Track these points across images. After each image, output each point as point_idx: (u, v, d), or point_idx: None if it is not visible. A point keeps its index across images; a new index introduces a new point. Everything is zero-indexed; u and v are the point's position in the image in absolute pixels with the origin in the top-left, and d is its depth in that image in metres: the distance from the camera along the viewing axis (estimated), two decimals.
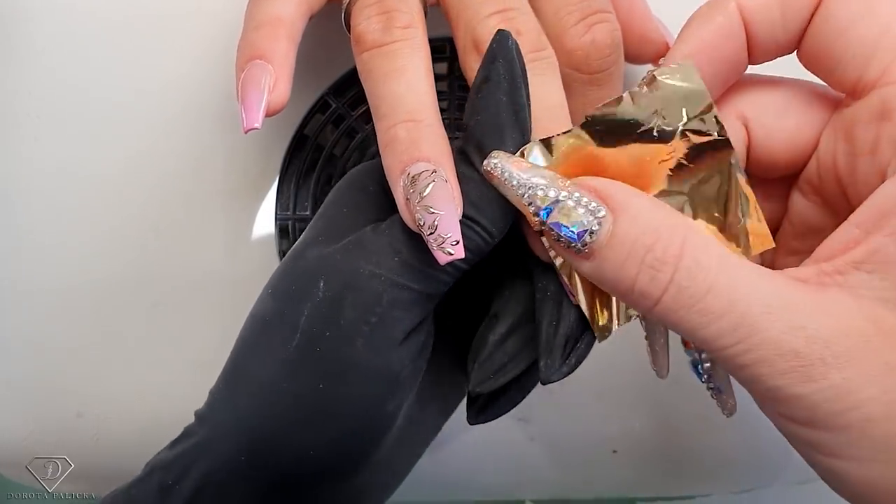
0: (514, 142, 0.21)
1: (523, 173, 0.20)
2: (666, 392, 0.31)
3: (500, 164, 0.20)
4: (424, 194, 0.20)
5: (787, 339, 0.17)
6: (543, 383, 0.22)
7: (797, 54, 0.22)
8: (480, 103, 0.21)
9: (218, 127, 0.29)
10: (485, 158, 0.20)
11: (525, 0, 0.23)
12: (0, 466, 0.32)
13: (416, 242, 0.21)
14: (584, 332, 0.22)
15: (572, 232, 0.19)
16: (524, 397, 0.24)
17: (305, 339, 0.21)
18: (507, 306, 0.23)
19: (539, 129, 0.21)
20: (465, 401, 0.25)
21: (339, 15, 0.25)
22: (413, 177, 0.20)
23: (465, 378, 0.27)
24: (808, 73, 0.22)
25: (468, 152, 0.21)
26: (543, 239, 0.21)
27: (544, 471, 0.32)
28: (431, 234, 0.19)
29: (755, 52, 0.22)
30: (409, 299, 0.21)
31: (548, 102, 0.22)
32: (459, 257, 0.19)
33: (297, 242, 0.23)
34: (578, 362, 0.22)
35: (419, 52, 0.22)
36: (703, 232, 0.19)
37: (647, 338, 0.25)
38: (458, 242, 0.19)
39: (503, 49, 0.21)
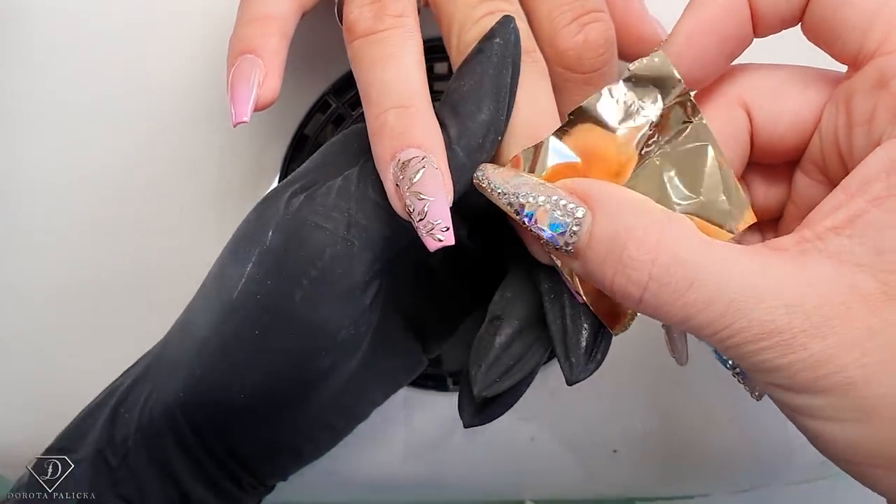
0: (490, 112, 0.21)
1: (507, 182, 0.20)
2: (666, 392, 0.31)
3: (485, 175, 0.21)
4: (414, 180, 0.20)
5: (770, 318, 0.17)
6: (570, 383, 0.21)
7: (801, 27, 0.22)
8: (466, 70, 0.21)
9: (218, 127, 0.29)
10: (457, 121, 0.21)
11: (516, 2, 0.23)
12: (0, 467, 0.32)
13: (366, 201, 0.21)
14: (603, 328, 0.22)
15: (551, 234, 0.19)
16: (517, 400, 0.24)
17: (248, 285, 0.21)
18: (510, 308, 0.23)
19: (529, 130, 0.21)
20: (434, 396, 0.26)
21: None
22: (403, 163, 0.20)
23: (417, 350, 0.27)
24: (807, 57, 0.22)
25: (442, 114, 0.21)
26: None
27: (544, 471, 0.32)
28: (421, 220, 0.19)
29: (760, 25, 0.22)
30: (351, 257, 0.21)
31: (537, 103, 0.22)
32: (450, 243, 0.19)
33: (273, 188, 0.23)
34: (603, 358, 0.22)
35: (411, 39, 0.22)
36: (684, 220, 0.19)
37: (663, 325, 0.25)
38: (448, 229, 0.19)
39: (503, 31, 0.21)
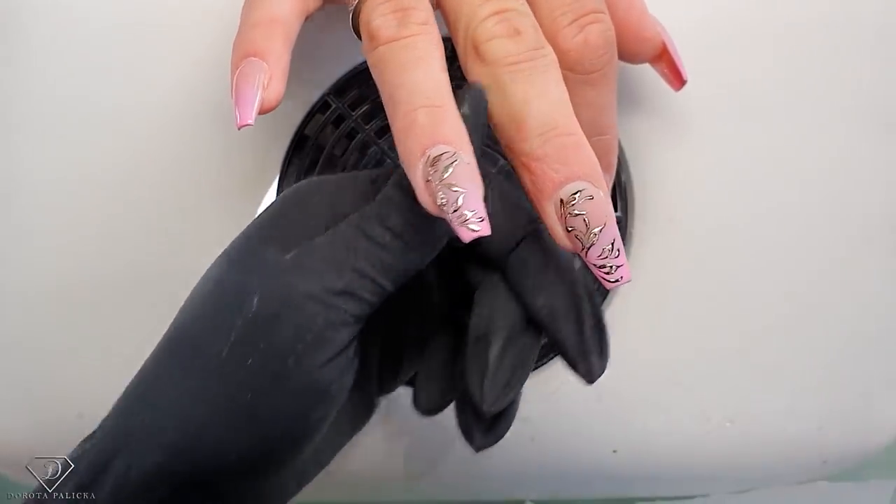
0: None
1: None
2: (666, 392, 0.31)
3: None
4: (446, 174, 0.20)
5: None
6: (590, 382, 0.22)
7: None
8: None
9: (218, 127, 0.29)
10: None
11: (524, 2, 0.23)
12: (0, 466, 0.32)
13: (354, 271, 0.21)
14: (603, 325, 0.23)
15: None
16: (516, 411, 0.24)
17: (236, 351, 0.21)
18: (494, 324, 0.23)
19: (542, 121, 0.21)
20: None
21: (338, 16, 0.25)
22: (434, 158, 0.20)
23: (374, 391, 0.27)
24: None
25: (398, 183, 0.22)
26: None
27: (544, 471, 0.32)
28: (455, 211, 0.20)
29: None
30: (342, 321, 0.21)
31: (552, 97, 0.22)
32: (486, 233, 0.20)
33: (236, 239, 0.23)
34: (609, 350, 0.23)
35: (435, 44, 0.22)
36: None
37: None
38: (482, 219, 0.20)
39: (474, 103, 0.22)
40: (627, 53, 0.26)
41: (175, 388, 0.22)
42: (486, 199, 0.20)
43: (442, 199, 0.20)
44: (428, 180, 0.20)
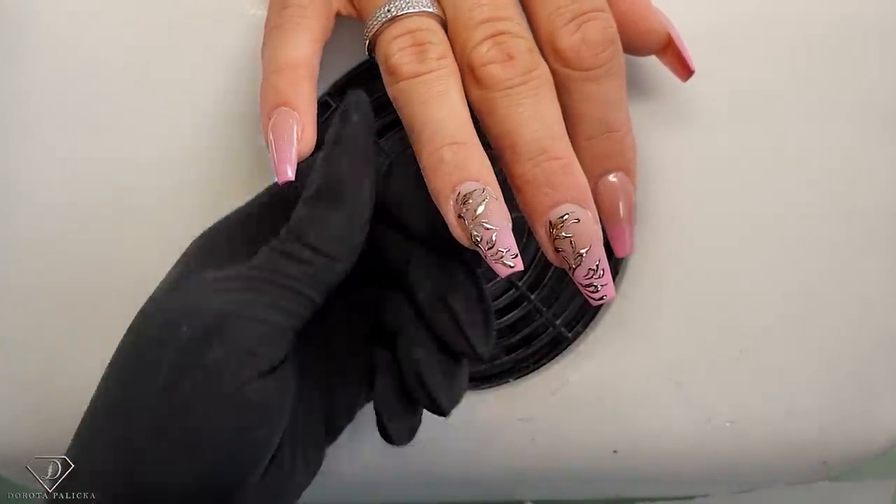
0: (353, 200, 0.22)
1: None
2: (666, 392, 0.31)
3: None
4: (478, 212, 0.21)
5: None
6: (487, 360, 0.25)
7: None
8: (324, 164, 0.23)
9: (218, 126, 0.29)
10: (310, 209, 0.22)
11: (518, 15, 0.24)
12: (0, 466, 0.32)
13: (277, 282, 0.22)
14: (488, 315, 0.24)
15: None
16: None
17: (171, 379, 0.21)
18: (442, 286, 0.24)
19: (538, 148, 0.22)
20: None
21: (340, 20, 0.25)
22: (464, 195, 0.21)
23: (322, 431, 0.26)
24: None
25: (307, 200, 0.22)
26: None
27: (544, 471, 0.32)
28: (490, 248, 0.21)
29: None
30: (273, 335, 0.21)
31: (544, 120, 0.22)
32: (519, 269, 0.21)
33: (173, 267, 0.24)
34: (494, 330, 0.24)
35: (454, 78, 0.23)
36: None
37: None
38: (516, 255, 0.21)
39: (360, 108, 0.23)
40: (633, 46, 0.26)
41: (118, 423, 0.22)
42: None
43: (476, 236, 0.21)
44: (460, 216, 0.21)
